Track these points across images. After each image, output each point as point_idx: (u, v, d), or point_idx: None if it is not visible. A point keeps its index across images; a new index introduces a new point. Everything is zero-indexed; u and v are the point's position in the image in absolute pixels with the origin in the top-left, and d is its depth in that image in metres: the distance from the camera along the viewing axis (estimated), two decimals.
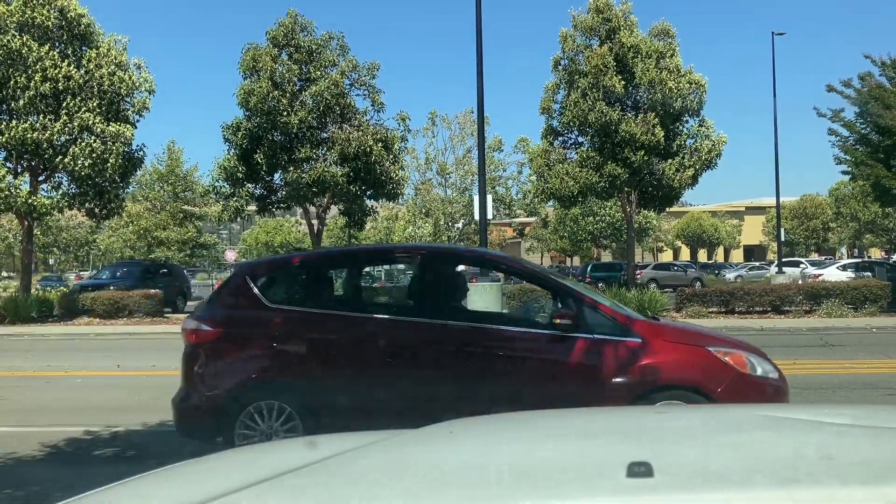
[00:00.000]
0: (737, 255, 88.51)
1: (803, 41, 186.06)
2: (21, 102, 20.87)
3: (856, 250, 77.97)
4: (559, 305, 6.11)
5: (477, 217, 23.54)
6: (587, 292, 6.37)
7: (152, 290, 23.57)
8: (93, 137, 21.42)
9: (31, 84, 20.79)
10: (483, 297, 21.61)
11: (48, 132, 20.95)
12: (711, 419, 2.14)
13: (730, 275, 53.94)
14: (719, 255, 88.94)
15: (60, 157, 21.27)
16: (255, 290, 6.15)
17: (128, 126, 22.38)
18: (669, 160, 22.31)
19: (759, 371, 5.84)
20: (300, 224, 73.98)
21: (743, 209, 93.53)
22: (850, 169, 25.14)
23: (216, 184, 22.95)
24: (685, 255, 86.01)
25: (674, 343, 5.95)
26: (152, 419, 8.01)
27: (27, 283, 24.81)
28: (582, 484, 1.46)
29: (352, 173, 22.05)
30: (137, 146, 23.97)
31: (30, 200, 21.59)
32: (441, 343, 5.83)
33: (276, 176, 23.01)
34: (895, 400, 8.96)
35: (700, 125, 23.33)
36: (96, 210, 24.06)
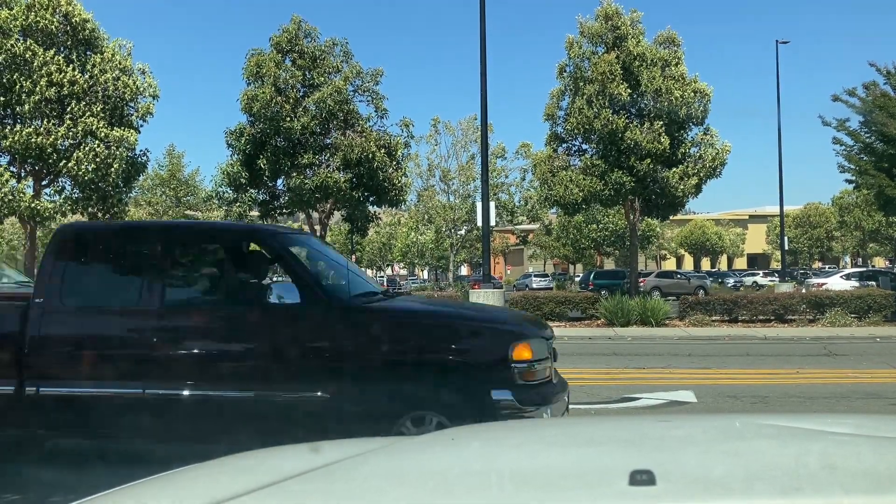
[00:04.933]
0: (740, 264, 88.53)
1: (808, 49, 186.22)
2: (26, 107, 20.92)
3: (860, 259, 77.88)
4: None
5: (480, 224, 23.58)
6: None
7: None
8: (96, 142, 21.47)
9: (36, 89, 20.85)
10: (485, 302, 21.59)
11: (52, 137, 21.00)
12: (713, 427, 2.14)
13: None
14: (722, 264, 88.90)
15: (64, 161, 21.32)
16: None
17: (131, 131, 22.42)
18: (674, 168, 22.32)
19: None
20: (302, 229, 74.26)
21: (746, 217, 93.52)
22: (853, 178, 25.13)
23: (219, 189, 22.99)
24: (688, 263, 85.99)
25: None
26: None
27: None
28: (584, 491, 1.46)
29: (354, 179, 22.07)
30: (141, 151, 24.06)
31: (33, 205, 21.61)
32: None
33: (279, 181, 23.04)
34: None
35: (704, 133, 23.33)
36: (99, 215, 24.07)
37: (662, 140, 21.56)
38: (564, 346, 16.40)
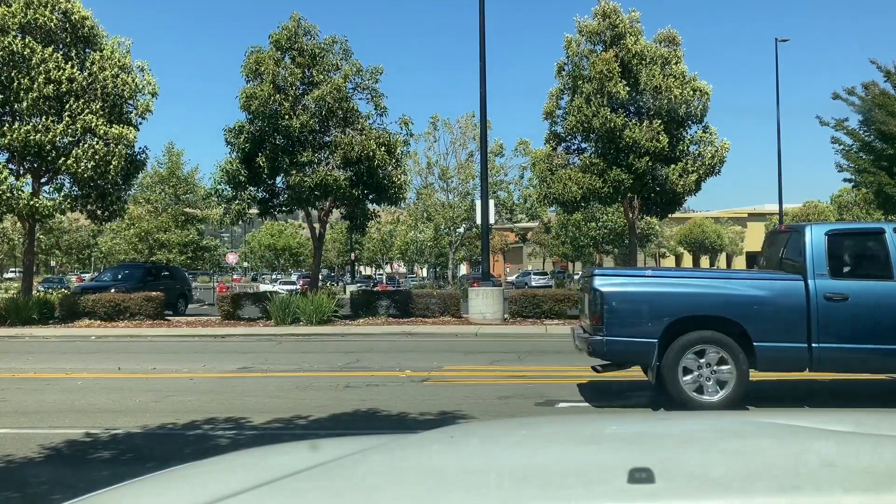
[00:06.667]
0: (739, 262, 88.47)
1: (807, 49, 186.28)
2: (24, 104, 20.90)
3: None
4: None
5: (479, 222, 23.56)
6: None
7: (153, 293, 23.57)
8: (95, 139, 21.45)
9: (35, 86, 20.81)
10: (485, 300, 21.62)
11: (51, 134, 20.97)
12: (713, 425, 2.14)
13: None
14: (721, 262, 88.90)
15: (63, 159, 21.29)
16: None
17: (130, 128, 22.39)
18: (673, 166, 22.32)
19: None
20: (303, 227, 74.24)
21: (745, 216, 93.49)
22: (852, 177, 25.15)
23: (218, 187, 22.94)
24: (688, 261, 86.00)
25: None
26: (153, 422, 8.01)
27: (28, 285, 24.81)
28: (583, 489, 1.46)
29: (354, 177, 22.02)
30: (140, 149, 24.03)
31: (32, 202, 21.60)
32: None
33: (279, 179, 22.97)
34: None
35: (704, 132, 23.33)
36: (98, 212, 24.08)
37: (661, 138, 21.56)
38: (564, 344, 16.41)
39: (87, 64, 22.07)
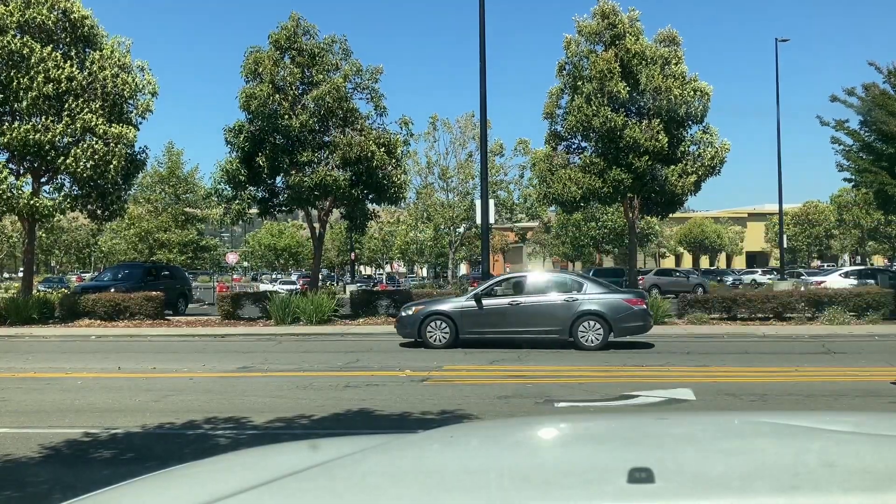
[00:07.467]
0: (739, 262, 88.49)
1: (807, 49, 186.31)
2: (24, 104, 20.86)
3: (858, 257, 77.96)
4: None
5: (479, 221, 23.54)
6: None
7: (153, 293, 23.56)
8: (95, 139, 21.42)
9: (34, 85, 20.77)
10: None
11: (50, 133, 20.95)
12: (712, 425, 2.14)
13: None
14: (721, 262, 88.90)
15: (63, 158, 21.27)
16: None
17: (130, 128, 22.37)
18: (673, 166, 22.31)
19: None
20: (303, 227, 74.23)
21: (745, 215, 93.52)
22: (852, 177, 25.12)
23: (218, 186, 22.92)
24: (687, 261, 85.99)
25: None
26: (152, 421, 8.01)
27: (28, 285, 24.80)
28: (583, 489, 1.46)
29: (354, 177, 22.01)
30: (140, 148, 24.01)
31: (32, 202, 21.58)
32: None
33: (278, 179, 22.96)
34: None
35: (704, 132, 23.32)
36: (98, 212, 24.05)
37: (661, 138, 21.56)
38: (564, 343, 16.41)
39: (87, 63, 22.04)
